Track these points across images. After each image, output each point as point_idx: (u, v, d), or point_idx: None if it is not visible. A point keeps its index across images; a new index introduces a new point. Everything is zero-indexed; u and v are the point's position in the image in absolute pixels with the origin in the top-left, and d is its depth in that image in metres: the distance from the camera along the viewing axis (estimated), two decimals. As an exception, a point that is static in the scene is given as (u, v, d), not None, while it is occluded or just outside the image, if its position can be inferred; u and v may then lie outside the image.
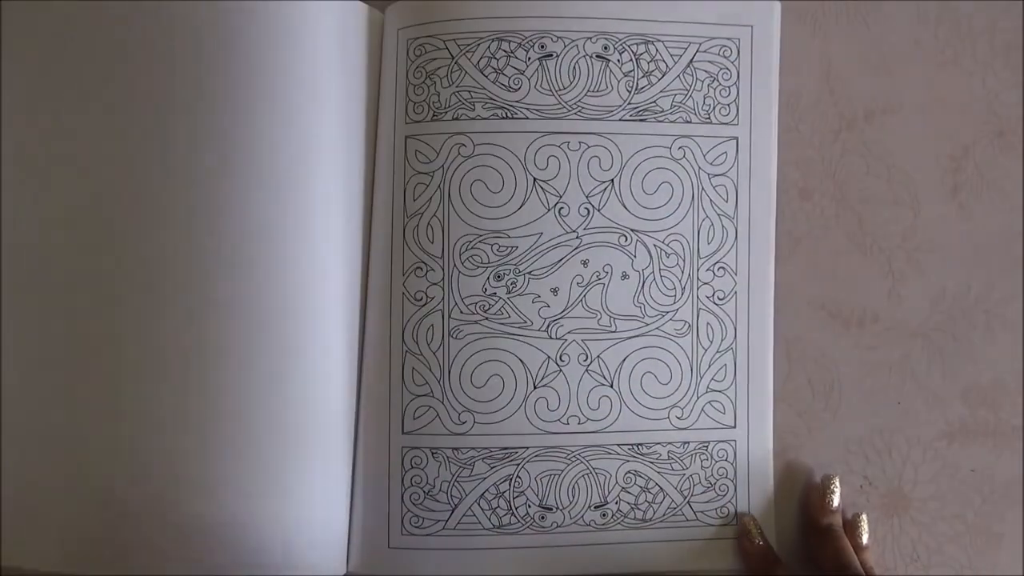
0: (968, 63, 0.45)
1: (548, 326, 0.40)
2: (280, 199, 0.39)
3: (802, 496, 0.42)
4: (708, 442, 0.41)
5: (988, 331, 0.44)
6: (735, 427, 0.41)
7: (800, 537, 0.42)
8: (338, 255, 0.40)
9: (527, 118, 0.40)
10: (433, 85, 0.40)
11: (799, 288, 0.44)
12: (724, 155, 0.41)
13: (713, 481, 0.41)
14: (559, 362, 0.40)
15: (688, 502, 0.41)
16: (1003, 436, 0.44)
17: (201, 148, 0.39)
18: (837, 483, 0.41)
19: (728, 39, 0.42)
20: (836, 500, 0.41)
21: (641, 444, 0.41)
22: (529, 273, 0.40)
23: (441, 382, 0.40)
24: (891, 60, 0.45)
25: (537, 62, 0.40)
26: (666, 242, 0.41)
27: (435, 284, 0.40)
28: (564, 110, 0.40)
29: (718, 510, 0.41)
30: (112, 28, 0.39)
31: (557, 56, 0.40)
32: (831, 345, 0.44)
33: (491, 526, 0.40)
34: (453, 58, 0.40)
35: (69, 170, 0.39)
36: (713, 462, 0.41)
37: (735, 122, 0.41)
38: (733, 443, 0.41)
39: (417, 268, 0.40)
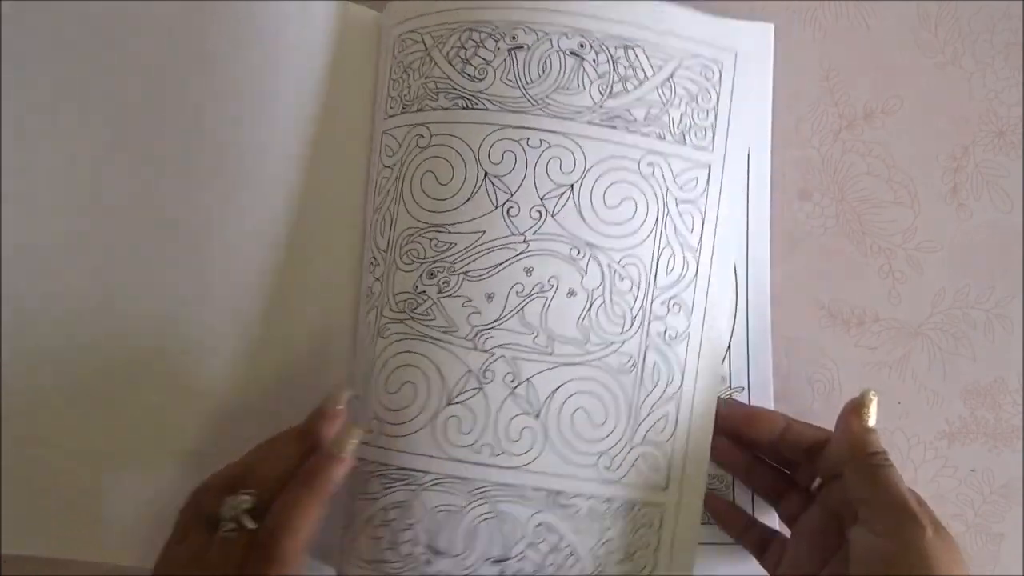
0: (968, 63, 0.45)
1: (476, 335, 0.36)
2: (256, 196, 0.40)
3: (838, 426, 0.37)
4: (635, 502, 0.37)
5: (988, 331, 0.44)
6: (667, 489, 0.37)
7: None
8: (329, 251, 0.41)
9: (487, 109, 0.36)
10: (407, 78, 0.38)
11: (799, 288, 0.44)
12: (695, 181, 0.38)
13: (632, 551, 0.36)
14: (481, 378, 0.36)
15: (600, 574, 0.36)
16: (1003, 436, 0.44)
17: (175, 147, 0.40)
18: (872, 396, 0.36)
19: (711, 60, 0.38)
20: (872, 419, 0.35)
21: (561, 492, 0.36)
22: (464, 273, 0.36)
23: (366, 383, 0.37)
24: (891, 60, 0.45)
25: (506, 53, 0.36)
26: (622, 263, 0.37)
27: (378, 279, 0.38)
28: (528, 104, 0.36)
29: None
30: (93, 27, 0.39)
31: (528, 48, 0.36)
32: (831, 345, 0.44)
33: (369, 559, 0.35)
34: (427, 50, 0.38)
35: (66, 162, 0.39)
36: (636, 527, 0.37)
37: (709, 148, 0.38)
38: (661, 508, 0.37)
39: (371, 263, 0.39)
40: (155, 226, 0.39)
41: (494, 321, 0.36)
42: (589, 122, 0.36)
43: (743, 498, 0.41)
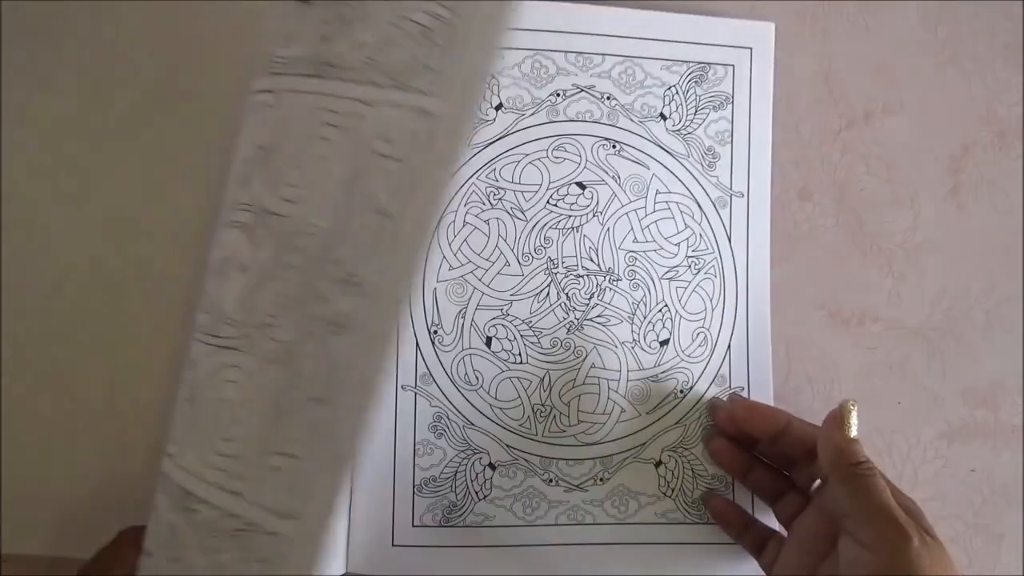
0: (968, 63, 0.45)
1: (204, 321, 0.32)
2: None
3: (820, 438, 0.36)
4: (256, 525, 0.29)
5: (988, 331, 0.44)
6: (298, 519, 0.29)
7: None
8: None
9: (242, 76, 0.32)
10: None
11: (799, 288, 0.44)
12: (407, 132, 0.29)
13: None
14: (183, 362, 0.32)
15: None
16: (1003, 436, 0.44)
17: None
18: (851, 406, 0.35)
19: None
20: (854, 429, 0.35)
21: (191, 494, 0.30)
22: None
23: None
24: (891, 60, 0.45)
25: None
26: (296, 232, 0.30)
27: None
28: (255, 63, 0.32)
29: None
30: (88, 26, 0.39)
31: None
32: (831, 345, 0.44)
33: None
34: None
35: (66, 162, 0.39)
36: (250, 555, 0.29)
37: (435, 93, 0.29)
38: (285, 542, 0.29)
39: None
40: (156, 227, 0.39)
41: (200, 302, 0.32)
42: (298, 74, 0.30)
43: (743, 498, 0.41)
